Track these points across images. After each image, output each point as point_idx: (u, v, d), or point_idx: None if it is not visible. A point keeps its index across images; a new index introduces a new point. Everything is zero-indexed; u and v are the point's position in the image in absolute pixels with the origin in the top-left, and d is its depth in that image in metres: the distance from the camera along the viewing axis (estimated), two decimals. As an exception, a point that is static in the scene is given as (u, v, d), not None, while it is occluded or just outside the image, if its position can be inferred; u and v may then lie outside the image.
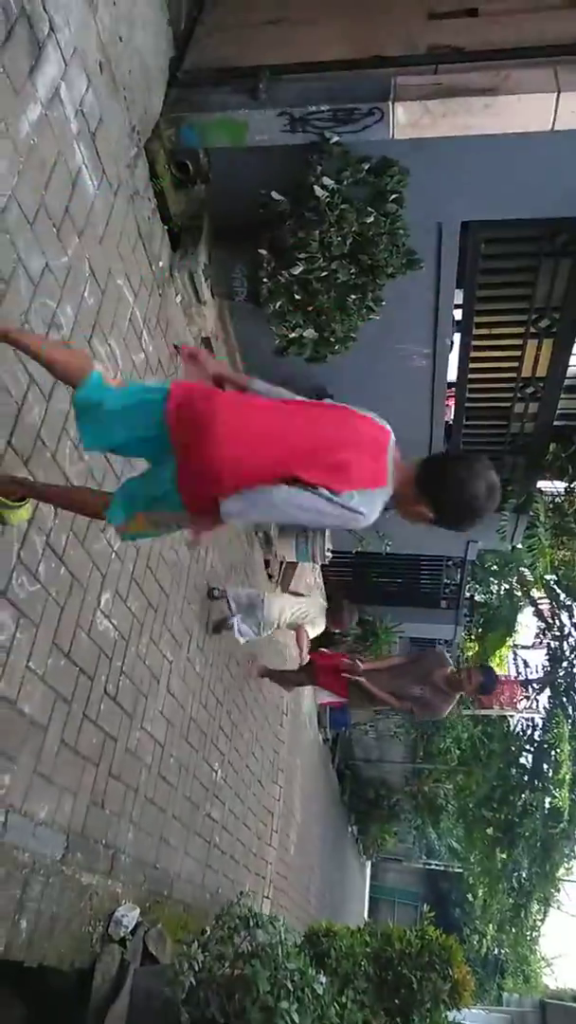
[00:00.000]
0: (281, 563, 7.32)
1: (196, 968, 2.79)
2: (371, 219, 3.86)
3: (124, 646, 3.44)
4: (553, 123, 3.63)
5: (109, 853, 3.20)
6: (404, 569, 9.51)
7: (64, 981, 2.92)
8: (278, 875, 7.02)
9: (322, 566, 8.42)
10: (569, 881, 15.29)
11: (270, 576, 7.05)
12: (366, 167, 3.84)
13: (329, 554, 7.17)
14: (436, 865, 24.76)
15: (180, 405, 2.05)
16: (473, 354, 5.37)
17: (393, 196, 3.90)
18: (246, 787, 5.78)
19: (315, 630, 5.34)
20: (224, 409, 2.05)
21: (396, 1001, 4.51)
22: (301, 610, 5.28)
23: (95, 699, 3.11)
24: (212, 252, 4.30)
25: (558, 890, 14.86)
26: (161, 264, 3.97)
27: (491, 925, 16.24)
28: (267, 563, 6.90)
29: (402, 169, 3.87)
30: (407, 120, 3.71)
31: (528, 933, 16.42)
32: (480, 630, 13.79)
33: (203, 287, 4.27)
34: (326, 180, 3.77)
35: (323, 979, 2.93)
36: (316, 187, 3.77)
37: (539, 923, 16.22)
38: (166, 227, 4.06)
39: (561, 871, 14.16)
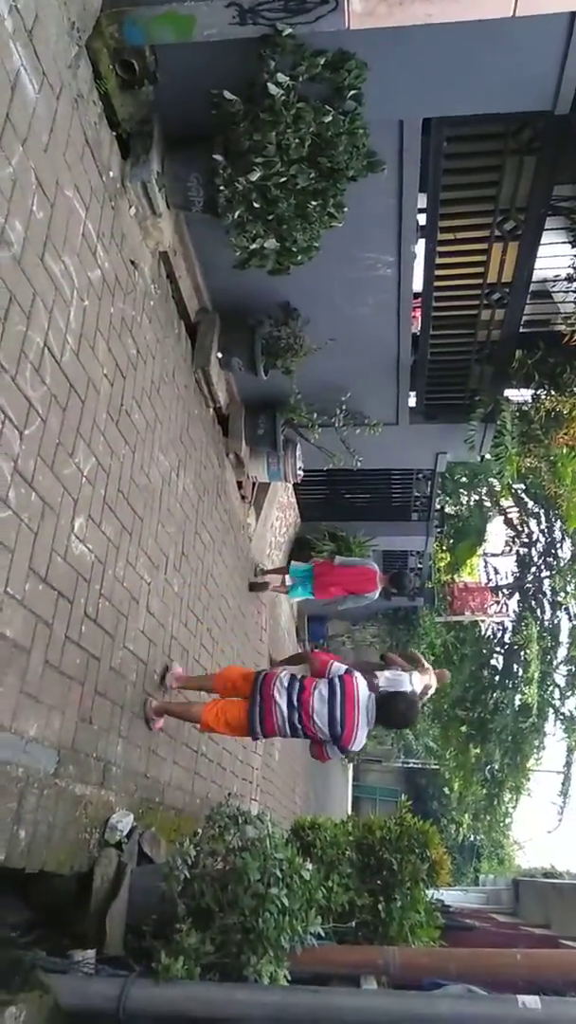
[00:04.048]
0: (253, 484, 7.33)
1: (190, 863, 2.96)
2: (329, 118, 3.71)
3: (101, 569, 3.48)
4: (515, 8, 3.46)
5: (100, 765, 3.33)
6: (375, 484, 9.59)
7: (65, 885, 3.08)
8: (264, 779, 7.35)
9: (294, 485, 8.46)
10: (538, 771, 16.20)
11: (243, 497, 7.07)
12: (322, 61, 3.65)
13: (301, 472, 7.18)
14: (414, 763, 26.09)
15: None
16: (438, 260, 5.28)
17: (351, 92, 3.74)
18: (229, 700, 5.97)
19: None
20: None
21: (379, 882, 4.83)
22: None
23: (76, 621, 3.16)
24: (165, 159, 4.11)
25: (528, 779, 15.75)
26: (112, 174, 3.79)
27: (467, 815, 17.29)
28: (240, 484, 6.90)
29: (360, 63, 3.69)
30: (362, 8, 3.51)
31: (501, 820, 17.49)
32: (451, 540, 14.07)
33: (157, 198, 4.09)
34: (280, 77, 3.59)
35: (310, 866, 3.11)
36: (270, 84, 3.59)
37: (511, 810, 17.26)
38: (114, 133, 3.86)
39: (530, 762, 14.97)
